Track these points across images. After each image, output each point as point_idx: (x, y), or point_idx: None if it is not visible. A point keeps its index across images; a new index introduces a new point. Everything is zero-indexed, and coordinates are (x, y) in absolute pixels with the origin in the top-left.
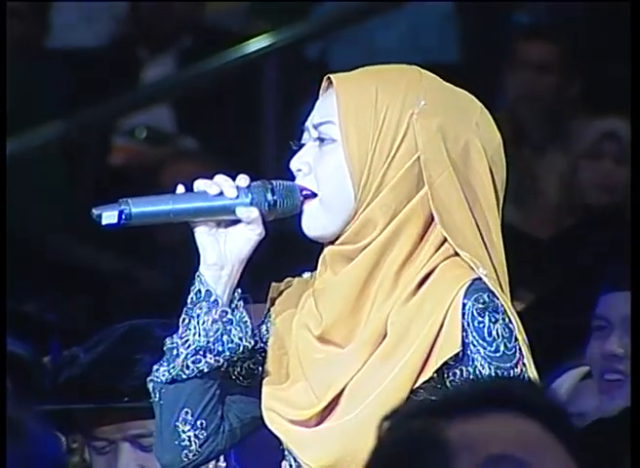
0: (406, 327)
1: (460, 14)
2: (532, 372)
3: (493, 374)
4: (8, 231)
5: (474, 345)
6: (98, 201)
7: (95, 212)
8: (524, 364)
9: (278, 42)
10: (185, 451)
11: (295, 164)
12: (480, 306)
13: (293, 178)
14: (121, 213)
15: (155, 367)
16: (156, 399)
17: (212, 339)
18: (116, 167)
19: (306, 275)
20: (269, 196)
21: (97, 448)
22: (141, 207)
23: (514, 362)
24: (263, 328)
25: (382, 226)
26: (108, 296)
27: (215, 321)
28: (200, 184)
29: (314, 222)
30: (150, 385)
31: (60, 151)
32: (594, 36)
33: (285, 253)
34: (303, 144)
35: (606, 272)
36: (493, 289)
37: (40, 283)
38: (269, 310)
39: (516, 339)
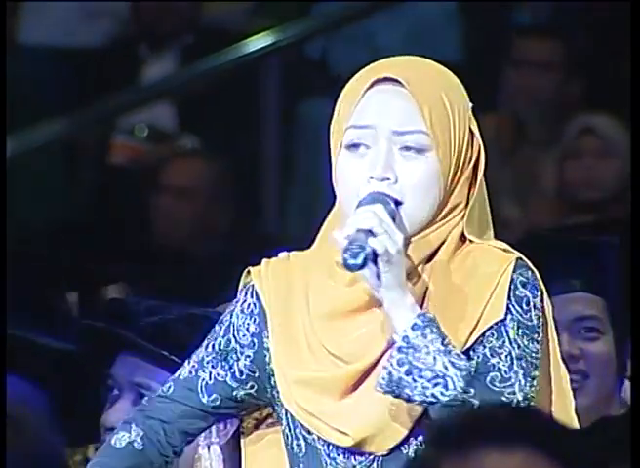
0: (445, 299)
1: (462, 13)
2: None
3: (518, 338)
4: (8, 231)
5: (512, 312)
6: (99, 201)
7: (353, 262)
8: (539, 341)
9: (279, 40)
10: None
11: (382, 172)
12: (523, 279)
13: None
14: (366, 257)
15: None
16: None
17: None
18: (117, 165)
19: (283, 255)
20: (391, 207)
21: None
22: (369, 249)
23: (538, 336)
24: (256, 311)
25: (447, 221)
26: (105, 296)
27: None
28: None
29: (408, 227)
30: None
31: (60, 149)
32: (595, 35)
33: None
34: (357, 145)
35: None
36: (534, 269)
37: (39, 282)
38: (257, 294)
39: (544, 319)
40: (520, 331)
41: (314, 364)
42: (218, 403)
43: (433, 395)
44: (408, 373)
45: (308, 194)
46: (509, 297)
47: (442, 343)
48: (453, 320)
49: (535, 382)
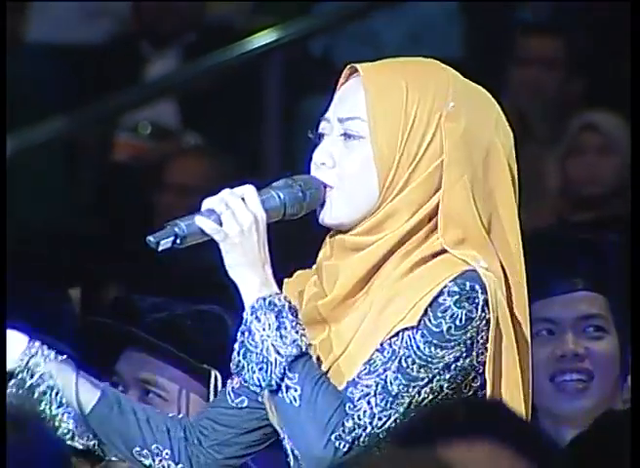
0: (385, 306)
1: (465, 10)
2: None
3: (411, 340)
4: (8, 231)
5: (423, 317)
6: (101, 199)
7: (152, 239)
8: (446, 347)
9: (282, 38)
10: None
11: (320, 157)
12: (456, 289)
13: (308, 171)
14: (175, 237)
15: None
16: None
17: None
18: (120, 163)
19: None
20: (299, 192)
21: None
22: (191, 228)
23: (447, 343)
24: None
25: (403, 221)
26: (104, 296)
27: None
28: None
29: (335, 212)
30: None
31: (62, 148)
32: (595, 34)
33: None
34: (321, 134)
35: (551, 276)
36: (485, 282)
37: (40, 282)
38: None
39: (470, 334)
40: (419, 332)
41: None
42: (245, 404)
43: (258, 379)
44: (244, 356)
45: None
46: (430, 304)
47: (277, 328)
48: (383, 326)
49: (422, 384)
